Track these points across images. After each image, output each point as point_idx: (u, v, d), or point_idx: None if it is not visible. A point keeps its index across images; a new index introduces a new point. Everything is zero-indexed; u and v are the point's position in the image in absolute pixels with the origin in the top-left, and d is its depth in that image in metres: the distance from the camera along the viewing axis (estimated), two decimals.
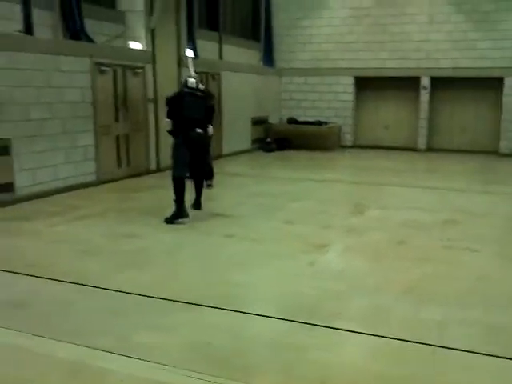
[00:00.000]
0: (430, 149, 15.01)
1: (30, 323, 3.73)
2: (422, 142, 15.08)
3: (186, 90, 6.82)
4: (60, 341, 3.46)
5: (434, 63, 14.55)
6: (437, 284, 4.62)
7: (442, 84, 14.64)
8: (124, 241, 5.84)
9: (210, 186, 7.44)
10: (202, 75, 11.83)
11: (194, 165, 6.85)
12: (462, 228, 6.60)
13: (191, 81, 6.86)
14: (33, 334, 3.54)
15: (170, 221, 6.38)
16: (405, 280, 4.67)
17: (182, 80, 7.10)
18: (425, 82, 14.72)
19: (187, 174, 6.69)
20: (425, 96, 14.81)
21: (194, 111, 6.61)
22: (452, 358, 3.34)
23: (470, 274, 4.89)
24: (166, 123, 6.80)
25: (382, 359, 3.28)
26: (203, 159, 7.06)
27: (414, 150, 15.01)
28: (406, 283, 4.59)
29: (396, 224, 6.69)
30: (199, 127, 6.66)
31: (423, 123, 14.97)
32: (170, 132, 6.81)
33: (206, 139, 6.90)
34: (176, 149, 6.64)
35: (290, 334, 3.63)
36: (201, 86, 7.00)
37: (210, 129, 7.01)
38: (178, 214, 6.37)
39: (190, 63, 7.85)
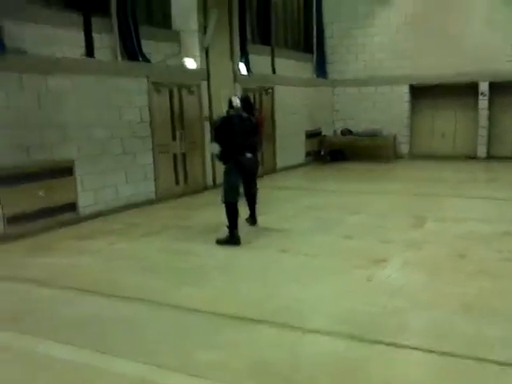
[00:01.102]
0: (490, 157, 14.52)
1: (94, 340, 3.87)
2: (481, 151, 14.60)
3: (232, 111, 6.80)
4: (123, 358, 3.57)
5: (493, 68, 14.08)
6: (498, 298, 4.49)
7: (503, 89, 14.16)
8: (182, 258, 5.97)
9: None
10: (255, 91, 12.04)
11: (246, 185, 6.93)
12: None
13: (236, 101, 6.87)
14: (97, 351, 3.68)
15: (221, 243, 6.36)
16: (465, 295, 4.56)
17: (227, 100, 7.10)
18: (483, 87, 14.30)
19: (239, 199, 6.64)
20: (483, 102, 14.37)
21: (241, 136, 6.57)
22: None
23: None
24: (212, 147, 6.83)
25: (445, 377, 3.22)
26: (255, 179, 7.12)
27: (473, 158, 14.58)
28: (467, 298, 4.48)
29: (455, 237, 6.53)
30: (249, 151, 6.65)
31: (482, 131, 14.50)
32: (216, 156, 6.83)
33: (256, 163, 6.93)
34: (227, 174, 6.62)
35: (349, 350, 3.62)
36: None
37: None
38: (230, 241, 6.33)
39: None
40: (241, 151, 6.56)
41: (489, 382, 3.15)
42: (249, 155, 6.64)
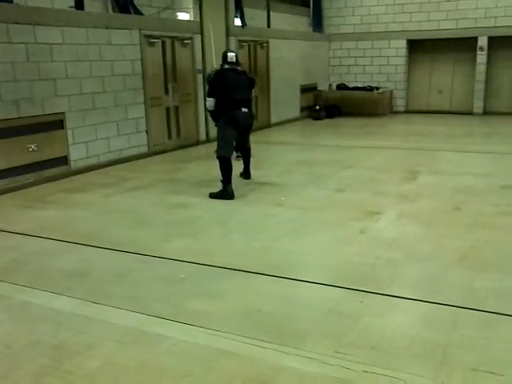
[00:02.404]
0: (486, 112, 14.46)
1: (88, 291, 3.86)
2: (478, 106, 14.53)
3: (226, 66, 6.63)
4: (117, 308, 3.57)
5: (492, 22, 13.85)
6: (493, 251, 4.49)
7: (502, 44, 13.98)
8: (175, 210, 5.94)
9: (239, 157, 7.41)
10: (249, 44, 11.82)
11: (240, 139, 6.83)
12: None
13: (230, 55, 6.68)
14: (91, 302, 3.67)
15: (214, 197, 6.32)
16: (459, 247, 4.56)
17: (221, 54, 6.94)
18: (482, 42, 14.08)
19: (234, 154, 6.60)
20: (482, 57, 14.19)
21: (237, 90, 6.42)
22: (510, 325, 3.25)
23: None
24: (207, 102, 6.67)
25: (436, 326, 3.22)
26: (249, 135, 7.01)
27: (469, 114, 14.50)
28: (461, 250, 4.49)
29: (450, 190, 6.51)
30: (244, 105, 6.49)
31: (480, 86, 14.39)
32: (211, 112, 6.71)
33: (251, 117, 6.81)
34: (222, 129, 6.48)
35: (342, 300, 3.62)
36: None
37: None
38: (224, 195, 6.27)
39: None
40: (236, 106, 6.41)
41: (479, 331, 3.16)
42: (244, 110, 6.49)
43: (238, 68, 6.71)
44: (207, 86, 6.78)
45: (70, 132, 7.66)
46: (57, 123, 7.47)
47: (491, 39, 14.01)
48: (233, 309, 3.52)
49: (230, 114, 6.39)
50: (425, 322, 3.30)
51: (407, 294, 3.66)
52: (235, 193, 6.32)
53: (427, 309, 3.47)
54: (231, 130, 6.45)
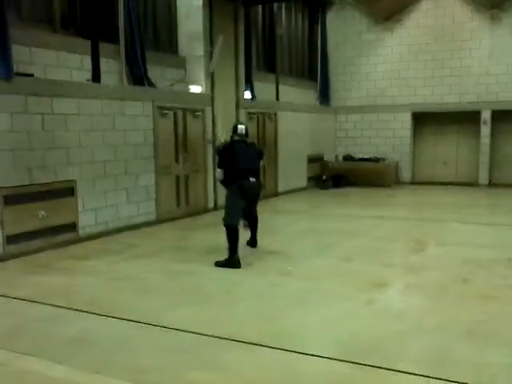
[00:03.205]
0: (491, 184, 14.54)
1: (88, 359, 3.81)
2: (483, 177, 14.64)
3: (236, 137, 6.85)
4: (116, 378, 3.51)
5: (494, 97, 14.22)
6: (502, 324, 4.41)
7: (504, 117, 14.26)
8: (181, 278, 5.92)
9: (247, 226, 7.41)
10: (258, 116, 12.14)
11: (248, 208, 6.89)
12: None
13: (240, 127, 6.91)
14: (89, 371, 3.61)
15: (220, 265, 6.31)
16: (468, 320, 4.49)
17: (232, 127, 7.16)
18: (485, 116, 14.38)
19: (241, 223, 6.69)
20: (485, 130, 14.45)
21: (245, 161, 6.60)
22: None
23: None
24: (217, 173, 6.89)
25: None
26: (256, 203, 7.10)
27: (474, 185, 14.60)
28: (470, 323, 4.41)
29: (457, 262, 6.47)
30: (252, 176, 6.64)
31: (484, 158, 14.56)
32: (221, 181, 6.89)
33: (259, 187, 6.93)
34: (230, 198, 6.62)
35: (349, 375, 3.54)
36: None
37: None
38: (230, 263, 6.28)
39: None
40: (244, 175, 6.55)
41: None
42: (252, 179, 6.63)
43: (248, 140, 6.93)
44: (217, 158, 6.96)
45: (80, 199, 7.74)
46: (67, 190, 7.57)
47: (494, 112, 14.30)
48: (234, 381, 3.44)
49: (239, 183, 6.51)
50: None
51: (416, 369, 3.57)
52: (242, 261, 6.31)
53: None
54: (239, 199, 6.54)
